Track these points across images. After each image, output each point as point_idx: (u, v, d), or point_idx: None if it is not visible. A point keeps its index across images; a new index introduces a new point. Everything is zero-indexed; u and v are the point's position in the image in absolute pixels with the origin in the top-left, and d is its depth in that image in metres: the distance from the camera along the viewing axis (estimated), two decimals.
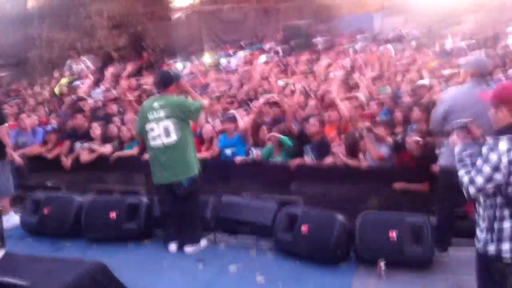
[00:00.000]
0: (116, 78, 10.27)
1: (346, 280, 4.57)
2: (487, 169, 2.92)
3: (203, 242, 5.39)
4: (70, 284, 3.47)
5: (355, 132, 6.23)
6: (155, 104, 5.14)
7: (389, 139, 5.97)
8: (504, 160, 2.89)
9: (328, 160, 6.01)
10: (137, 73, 12.01)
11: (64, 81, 10.33)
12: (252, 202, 5.67)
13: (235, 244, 5.44)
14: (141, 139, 5.89)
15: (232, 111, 7.36)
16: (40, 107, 8.94)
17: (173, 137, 5.08)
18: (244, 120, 6.97)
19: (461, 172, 3.07)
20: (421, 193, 5.39)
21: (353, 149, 6.02)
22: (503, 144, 2.92)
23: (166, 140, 5.09)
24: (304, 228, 4.91)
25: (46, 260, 4.09)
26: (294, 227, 5.02)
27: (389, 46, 14.74)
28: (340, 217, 4.93)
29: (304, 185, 6.06)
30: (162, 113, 5.08)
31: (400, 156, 5.82)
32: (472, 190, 2.98)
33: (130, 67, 10.01)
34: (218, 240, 5.52)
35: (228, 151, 6.70)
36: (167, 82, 5.23)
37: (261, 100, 7.83)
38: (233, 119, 6.93)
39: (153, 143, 5.16)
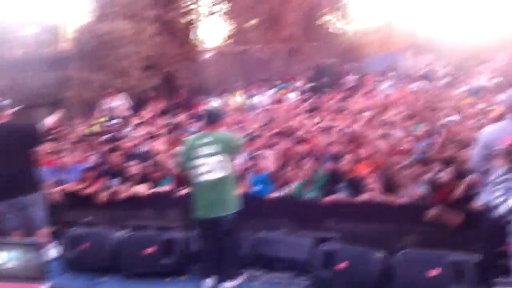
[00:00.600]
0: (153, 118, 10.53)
1: None
2: None
3: (240, 279, 5.36)
4: None
5: (391, 169, 6.20)
6: (205, 140, 5.21)
7: (426, 177, 5.92)
8: None
9: (364, 196, 5.98)
10: (171, 111, 12.27)
11: (101, 119, 10.59)
12: (288, 238, 5.66)
13: (272, 281, 5.40)
14: (182, 175, 5.95)
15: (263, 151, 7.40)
16: (78, 146, 9.13)
17: (223, 172, 5.15)
18: (271, 160, 7.02)
19: (496, 193, 3.13)
20: (461, 231, 5.29)
21: (389, 187, 5.98)
22: None
23: (216, 175, 5.14)
24: (342, 265, 4.86)
25: None
26: (332, 264, 4.98)
27: (420, 83, 14.72)
28: (378, 254, 4.87)
29: (339, 221, 6.01)
30: (212, 149, 5.15)
31: (438, 193, 5.75)
32: (503, 210, 3.03)
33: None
34: (254, 277, 5.49)
35: (256, 188, 6.73)
36: (216, 118, 5.34)
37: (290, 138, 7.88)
38: (262, 157, 6.99)
39: (201, 178, 5.21)
